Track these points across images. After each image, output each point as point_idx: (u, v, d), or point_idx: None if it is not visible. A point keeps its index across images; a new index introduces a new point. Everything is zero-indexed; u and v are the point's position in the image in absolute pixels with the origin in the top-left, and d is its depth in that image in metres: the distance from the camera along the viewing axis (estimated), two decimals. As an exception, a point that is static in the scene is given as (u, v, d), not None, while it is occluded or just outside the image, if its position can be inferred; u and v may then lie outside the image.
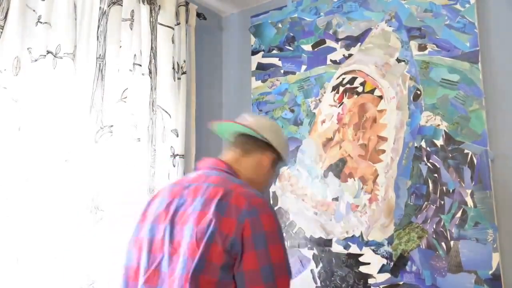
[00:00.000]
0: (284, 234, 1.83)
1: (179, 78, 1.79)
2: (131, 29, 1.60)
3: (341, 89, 1.80)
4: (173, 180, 1.27)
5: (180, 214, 1.10)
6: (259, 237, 1.02)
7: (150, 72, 1.66)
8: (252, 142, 1.24)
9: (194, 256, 1.01)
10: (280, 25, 2.02)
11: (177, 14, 1.82)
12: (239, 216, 1.02)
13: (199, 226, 1.03)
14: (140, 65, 1.62)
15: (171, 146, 1.72)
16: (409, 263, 1.54)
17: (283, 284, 1.03)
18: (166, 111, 1.72)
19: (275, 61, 2.01)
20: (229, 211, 1.03)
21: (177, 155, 1.72)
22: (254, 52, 2.09)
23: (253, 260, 1.00)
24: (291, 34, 1.98)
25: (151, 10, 1.71)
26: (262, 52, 2.06)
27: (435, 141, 1.55)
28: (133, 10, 1.62)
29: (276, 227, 1.06)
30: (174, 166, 1.71)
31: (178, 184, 1.19)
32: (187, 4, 1.88)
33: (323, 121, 1.83)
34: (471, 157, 1.48)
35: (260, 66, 2.06)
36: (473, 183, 1.47)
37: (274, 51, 2.02)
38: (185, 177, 1.24)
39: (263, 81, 2.03)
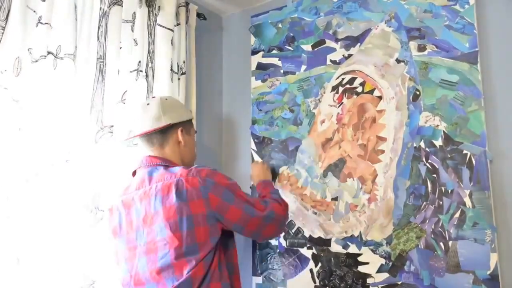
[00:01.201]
0: (283, 234, 1.85)
1: (179, 79, 1.79)
2: (132, 30, 1.61)
3: (341, 89, 1.80)
4: (120, 191, 1.36)
5: (142, 218, 1.23)
6: (226, 194, 1.23)
7: (146, 76, 1.67)
8: (159, 135, 1.35)
9: (177, 245, 1.17)
10: (280, 25, 2.03)
11: (177, 14, 1.82)
12: (202, 194, 1.19)
13: (170, 220, 1.18)
14: (139, 67, 1.63)
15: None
16: (407, 263, 1.55)
17: (259, 205, 1.31)
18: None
19: (275, 61, 2.02)
20: (191, 195, 1.18)
21: (177, 155, 1.73)
22: (254, 52, 2.09)
23: (236, 211, 1.23)
24: (291, 34, 1.98)
25: (149, 13, 1.71)
26: (262, 52, 2.06)
27: (434, 141, 1.56)
28: (134, 11, 1.62)
29: (228, 180, 1.27)
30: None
31: (125, 195, 1.31)
32: (187, 4, 1.88)
33: (323, 121, 1.83)
34: (470, 158, 1.49)
35: (260, 66, 2.06)
36: (471, 184, 1.47)
37: (274, 51, 2.03)
38: (129, 185, 1.34)
39: (263, 81, 2.04)
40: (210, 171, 1.25)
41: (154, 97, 1.42)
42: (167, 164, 1.31)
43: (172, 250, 1.17)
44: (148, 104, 1.37)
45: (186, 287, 1.16)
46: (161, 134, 1.35)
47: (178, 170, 1.25)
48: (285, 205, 1.45)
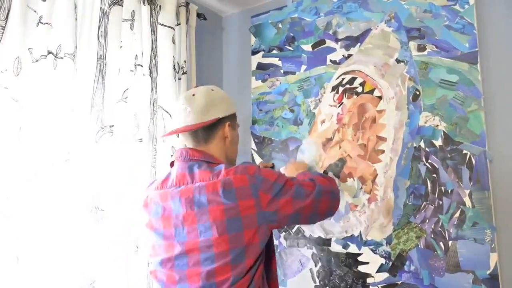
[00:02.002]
0: (284, 233, 1.85)
1: (179, 78, 1.80)
2: (132, 29, 1.61)
3: (341, 89, 1.80)
4: (154, 183, 1.28)
5: (183, 216, 1.14)
6: (275, 189, 1.13)
7: (150, 72, 1.67)
8: (205, 130, 1.24)
9: (223, 249, 1.08)
10: (280, 25, 2.03)
11: (177, 14, 1.82)
12: (252, 193, 1.10)
13: (217, 220, 1.08)
14: (141, 65, 1.63)
15: (172, 146, 1.73)
16: (407, 262, 1.55)
17: (308, 196, 1.20)
18: (167, 111, 1.73)
19: (275, 61, 2.02)
20: (240, 194, 1.09)
21: (177, 155, 1.73)
22: (254, 52, 2.09)
23: (288, 204, 1.14)
24: (291, 34, 1.98)
25: (151, 11, 1.71)
26: (262, 52, 2.06)
27: (434, 141, 1.56)
28: (133, 10, 1.63)
29: (276, 174, 1.17)
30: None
31: (165, 189, 1.21)
32: (187, 4, 1.89)
33: (323, 121, 1.83)
34: (470, 158, 1.49)
35: (260, 66, 2.06)
36: (471, 184, 1.47)
37: (274, 51, 2.03)
38: (167, 178, 1.24)
39: (263, 81, 2.04)
40: (258, 168, 1.16)
41: (196, 86, 1.30)
42: (210, 160, 1.21)
43: (218, 253, 1.09)
44: (193, 95, 1.24)
45: None
46: (208, 129, 1.24)
47: (223, 168, 1.15)
48: (331, 178, 1.36)
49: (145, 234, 1.26)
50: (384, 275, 1.59)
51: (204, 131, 1.24)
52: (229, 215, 1.08)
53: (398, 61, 1.68)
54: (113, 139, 1.51)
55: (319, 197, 1.22)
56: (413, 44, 1.65)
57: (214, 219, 1.09)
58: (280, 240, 1.87)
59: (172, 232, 1.16)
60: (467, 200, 1.47)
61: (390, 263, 1.59)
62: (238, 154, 1.39)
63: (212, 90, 1.27)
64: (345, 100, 1.78)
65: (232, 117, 1.30)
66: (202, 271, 1.10)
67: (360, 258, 1.66)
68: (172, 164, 1.28)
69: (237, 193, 1.09)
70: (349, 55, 1.80)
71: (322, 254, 1.75)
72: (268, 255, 1.25)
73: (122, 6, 1.58)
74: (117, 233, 1.47)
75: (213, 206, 1.09)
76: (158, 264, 1.20)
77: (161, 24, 1.75)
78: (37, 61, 1.35)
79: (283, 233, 1.86)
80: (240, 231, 1.09)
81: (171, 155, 1.72)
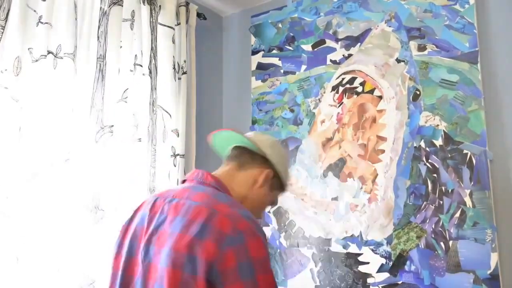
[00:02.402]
0: (284, 233, 1.85)
1: (179, 78, 1.80)
2: (132, 29, 1.61)
3: (341, 89, 1.80)
4: (158, 191, 1.20)
5: (159, 233, 0.99)
6: (245, 266, 0.89)
7: (150, 72, 1.67)
8: (248, 155, 1.13)
9: (173, 284, 0.90)
10: (280, 25, 2.03)
11: (177, 14, 1.82)
12: (222, 243, 0.89)
13: (177, 251, 0.92)
14: (141, 65, 1.63)
15: (172, 146, 1.73)
16: (408, 262, 1.55)
17: None
18: (166, 111, 1.73)
19: (275, 61, 2.02)
20: (211, 235, 0.90)
21: (178, 155, 1.73)
22: (254, 52, 2.09)
23: None
24: (291, 34, 1.98)
25: (151, 10, 1.71)
26: (262, 52, 2.06)
27: (434, 141, 1.56)
28: (133, 10, 1.63)
29: (265, 254, 0.93)
30: (174, 166, 1.72)
31: (161, 197, 1.06)
32: (187, 4, 1.89)
33: (323, 121, 1.83)
34: (470, 157, 1.49)
35: (260, 66, 2.06)
36: (472, 183, 1.47)
37: (274, 51, 2.03)
38: (171, 189, 1.11)
39: (263, 80, 2.04)
40: (252, 226, 0.94)
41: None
42: (220, 189, 1.06)
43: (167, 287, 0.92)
44: (262, 133, 1.19)
45: None
46: (252, 158, 1.13)
47: (224, 200, 0.99)
48: None
49: (116, 242, 1.12)
50: (385, 275, 1.59)
51: (247, 157, 1.13)
52: (191, 250, 0.91)
53: (398, 60, 1.68)
54: (113, 139, 1.51)
55: None
56: (413, 44, 1.65)
57: (176, 248, 0.92)
58: (280, 240, 1.86)
59: (139, 248, 1.02)
60: (467, 200, 1.47)
61: (391, 263, 1.58)
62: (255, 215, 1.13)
63: (274, 140, 1.19)
64: (345, 100, 1.78)
65: (277, 178, 1.16)
66: None
67: (360, 258, 1.66)
68: (183, 181, 1.16)
69: (210, 232, 0.91)
70: (349, 55, 1.80)
71: (322, 254, 1.74)
72: None
73: (122, 6, 1.58)
74: (117, 233, 1.46)
75: (182, 233, 0.94)
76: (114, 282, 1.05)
77: (161, 24, 1.75)
78: (37, 61, 1.35)
79: (283, 233, 1.86)
80: (194, 274, 0.90)
81: (171, 155, 1.72)
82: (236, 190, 1.09)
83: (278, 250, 1.86)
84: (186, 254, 0.90)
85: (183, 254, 0.90)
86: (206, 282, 0.87)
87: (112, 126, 1.51)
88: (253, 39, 2.11)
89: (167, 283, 0.91)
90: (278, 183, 1.17)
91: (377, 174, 1.66)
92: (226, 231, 0.90)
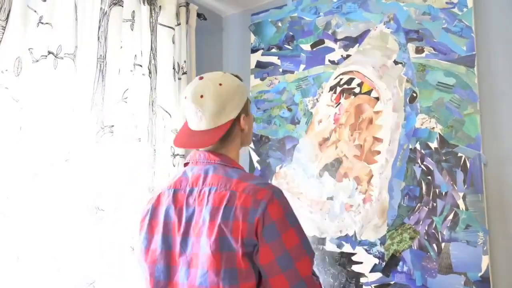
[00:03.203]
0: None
1: (179, 78, 1.81)
2: (132, 29, 1.62)
3: (339, 89, 1.81)
4: (169, 181, 1.19)
5: (193, 225, 1.08)
6: (269, 229, 1.00)
7: (150, 72, 1.68)
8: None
9: (215, 267, 1.01)
10: (280, 24, 2.03)
11: (177, 14, 1.83)
12: (249, 218, 1.00)
13: (212, 237, 1.02)
14: (141, 66, 1.64)
15: (172, 146, 1.75)
16: (400, 263, 1.57)
17: (303, 266, 1.03)
18: (166, 111, 1.74)
19: (274, 59, 2.03)
20: (237, 214, 1.01)
21: (177, 155, 1.75)
22: (253, 50, 2.10)
23: (267, 254, 1.00)
24: (290, 33, 1.99)
25: (151, 11, 1.72)
26: (262, 50, 2.07)
27: (430, 143, 1.57)
28: (134, 10, 1.64)
29: (284, 213, 1.02)
30: (174, 166, 1.74)
31: (180, 189, 1.13)
32: (187, 4, 1.89)
33: (320, 121, 1.85)
34: (464, 161, 1.50)
35: (259, 64, 2.07)
36: (465, 186, 1.49)
37: (274, 50, 2.04)
38: (182, 177, 1.16)
39: (262, 79, 2.05)
40: (270, 194, 1.03)
41: (202, 77, 1.17)
42: (226, 163, 1.13)
43: (211, 271, 1.02)
44: (201, 96, 1.11)
45: None
46: (224, 124, 1.15)
47: (236, 176, 1.07)
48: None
49: (143, 239, 1.17)
50: (377, 275, 1.62)
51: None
52: (222, 233, 1.01)
53: (396, 62, 1.68)
54: (113, 139, 1.52)
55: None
56: (411, 46, 1.65)
57: (210, 235, 1.03)
58: (276, 239, 1.89)
59: (177, 241, 1.10)
60: (460, 202, 1.49)
61: (384, 263, 1.61)
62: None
63: (220, 85, 1.14)
64: (342, 100, 1.80)
65: (245, 106, 1.19)
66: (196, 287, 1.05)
67: (354, 258, 1.68)
68: (185, 164, 1.20)
69: (235, 212, 1.01)
70: (348, 56, 1.81)
71: (316, 253, 1.77)
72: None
73: (122, 6, 1.59)
74: (117, 233, 1.49)
75: (212, 221, 1.03)
76: (158, 276, 1.12)
77: (161, 24, 1.76)
78: (37, 61, 1.36)
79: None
80: (231, 252, 1.02)
81: (171, 155, 1.74)
82: (235, 150, 1.19)
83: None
84: (219, 237, 1.01)
85: (217, 238, 1.01)
86: (244, 255, 1.01)
87: (112, 126, 1.53)
88: (252, 38, 2.11)
89: (210, 267, 1.02)
90: (246, 104, 1.22)
91: (372, 175, 1.68)
92: (248, 206, 1.01)
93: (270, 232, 1.00)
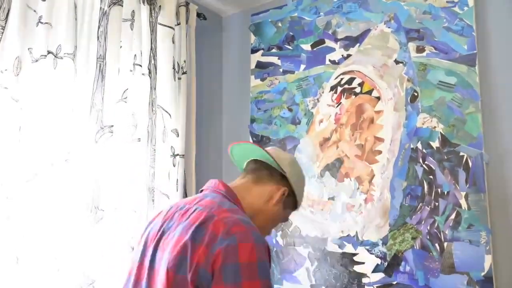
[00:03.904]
0: (280, 232, 1.86)
1: (179, 78, 1.80)
2: (132, 29, 1.62)
3: (339, 89, 1.81)
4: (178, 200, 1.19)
5: (164, 238, 1.01)
6: (230, 268, 0.87)
7: (150, 72, 1.67)
8: (267, 171, 1.14)
9: (168, 286, 0.91)
10: (280, 24, 2.03)
11: (177, 14, 1.82)
12: (213, 245, 0.89)
13: (172, 254, 0.94)
14: (140, 65, 1.64)
15: (172, 146, 1.74)
16: (403, 263, 1.57)
17: None
18: (166, 111, 1.74)
19: (274, 59, 2.02)
20: (204, 238, 0.91)
21: (177, 155, 1.74)
22: (253, 51, 2.10)
23: None
24: (290, 33, 1.98)
25: (151, 11, 1.72)
26: (262, 51, 2.07)
27: (431, 143, 1.57)
28: (133, 10, 1.63)
29: (256, 259, 0.89)
30: (174, 166, 1.73)
31: (175, 206, 1.09)
32: (187, 4, 1.89)
33: (321, 121, 1.84)
34: (466, 160, 1.50)
35: (260, 65, 2.07)
36: (467, 186, 1.48)
37: (274, 50, 2.03)
38: (187, 199, 1.12)
39: (262, 79, 2.04)
40: (250, 235, 0.91)
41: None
42: (230, 198, 1.06)
43: None
44: (282, 150, 1.24)
45: None
46: (270, 174, 1.14)
47: (227, 206, 1.00)
48: None
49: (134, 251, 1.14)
50: (380, 275, 1.61)
51: (264, 173, 1.14)
52: (184, 252, 0.92)
53: (397, 62, 1.68)
54: (113, 139, 1.52)
55: None
56: (412, 45, 1.65)
57: (172, 251, 0.95)
58: (276, 239, 1.88)
59: (148, 251, 1.04)
60: (463, 202, 1.48)
61: (386, 263, 1.60)
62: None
63: (293, 158, 1.23)
64: (343, 100, 1.79)
65: (292, 197, 1.17)
66: None
67: (356, 258, 1.67)
68: (201, 191, 1.15)
69: (204, 234, 0.92)
70: (348, 55, 1.81)
71: (318, 254, 1.76)
72: None
73: (122, 6, 1.58)
74: (117, 233, 1.48)
75: (180, 237, 0.96)
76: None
77: (160, 24, 1.76)
78: (37, 61, 1.36)
79: (280, 232, 1.88)
80: (185, 275, 0.90)
81: (171, 155, 1.73)
82: (250, 202, 1.10)
83: (275, 249, 1.88)
84: (179, 255, 0.91)
85: (177, 256, 0.92)
86: (193, 285, 0.88)
87: (112, 126, 1.52)
88: (252, 38, 2.11)
89: (164, 285, 0.92)
90: (292, 202, 1.18)
91: (374, 175, 1.67)
92: (218, 233, 0.90)
93: (231, 273, 0.87)
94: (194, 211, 0.99)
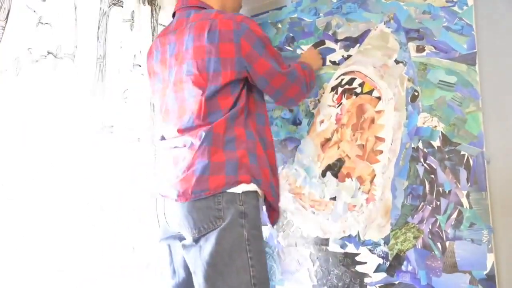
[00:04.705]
0: (282, 233, 1.86)
1: (179, 78, 1.80)
2: (131, 30, 1.62)
3: (340, 89, 1.81)
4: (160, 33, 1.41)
5: (175, 56, 1.25)
6: (257, 44, 1.21)
7: (150, 73, 1.67)
8: None
9: (202, 85, 1.18)
10: (279, 25, 2.03)
11: (177, 14, 1.83)
12: (234, 38, 1.18)
13: (198, 59, 1.18)
14: (140, 65, 1.64)
15: (171, 146, 1.73)
16: (405, 262, 1.56)
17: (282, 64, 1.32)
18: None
19: (274, 61, 2.02)
20: (222, 37, 1.17)
21: (177, 154, 1.74)
22: (253, 52, 2.09)
23: (264, 64, 1.22)
24: (290, 34, 1.99)
25: (152, 11, 1.72)
26: (262, 52, 2.06)
27: (432, 142, 1.57)
28: (133, 11, 1.64)
29: (262, 31, 1.26)
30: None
31: (165, 34, 1.33)
32: (187, 4, 1.89)
33: (322, 121, 1.84)
34: (467, 159, 1.49)
35: (260, 66, 2.06)
36: (469, 184, 1.48)
37: (274, 51, 2.03)
38: (171, 23, 1.36)
39: (263, 80, 2.04)
40: (247, 18, 1.25)
41: None
42: (205, 7, 1.32)
43: (197, 88, 1.19)
44: None
45: (208, 129, 1.17)
46: None
47: (214, 11, 1.25)
48: (310, 70, 1.48)
49: (152, 85, 1.40)
50: (382, 275, 1.60)
51: None
52: (209, 54, 1.18)
53: (397, 62, 1.68)
54: (113, 139, 1.51)
55: (291, 80, 1.33)
56: (412, 45, 1.65)
57: (196, 58, 1.19)
58: (278, 240, 1.88)
59: (167, 74, 1.30)
60: (464, 201, 1.48)
61: (388, 263, 1.59)
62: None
63: None
64: (344, 100, 1.79)
65: None
66: (186, 105, 1.23)
67: (357, 258, 1.67)
68: (173, 14, 1.38)
69: (220, 35, 1.18)
70: (348, 56, 1.81)
71: (320, 254, 1.76)
72: (256, 101, 1.35)
73: (122, 6, 1.59)
74: (117, 233, 1.47)
75: (195, 45, 1.20)
76: (158, 105, 1.36)
77: (161, 25, 1.76)
78: (36, 61, 1.36)
79: (281, 233, 1.87)
80: (217, 71, 1.18)
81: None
82: (214, 4, 1.35)
83: (276, 249, 1.87)
84: (206, 58, 1.18)
85: (204, 59, 1.18)
86: (234, 72, 1.19)
87: (112, 126, 1.52)
88: (252, 39, 2.11)
89: (196, 85, 1.20)
90: None
91: (375, 175, 1.67)
92: (231, 28, 1.18)
93: (259, 46, 1.22)
94: (191, 26, 1.23)
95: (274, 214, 1.39)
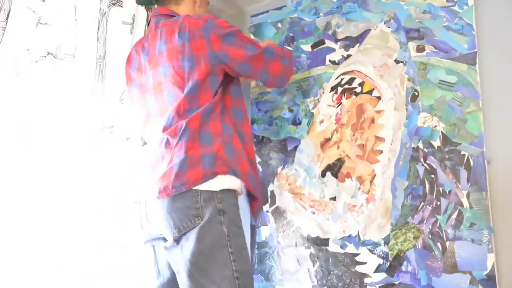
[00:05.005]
0: (282, 233, 1.86)
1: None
2: (131, 30, 1.62)
3: (340, 89, 1.81)
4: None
5: (149, 60, 1.32)
6: (227, 36, 1.27)
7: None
8: None
9: (181, 84, 1.25)
10: (279, 25, 2.03)
11: (177, 14, 1.83)
12: (204, 34, 1.24)
13: (173, 60, 1.25)
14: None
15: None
16: (405, 263, 1.56)
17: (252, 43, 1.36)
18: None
19: (274, 61, 2.01)
20: (192, 35, 1.24)
21: (177, 154, 1.74)
22: (253, 52, 2.09)
23: (238, 51, 1.28)
24: (290, 34, 1.98)
25: (148, 16, 1.72)
26: (262, 52, 2.06)
27: (432, 142, 1.56)
28: (134, 14, 1.64)
29: (228, 23, 1.32)
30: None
31: (140, 42, 1.40)
32: (187, 4, 1.89)
33: (322, 121, 1.84)
34: (468, 159, 1.49)
35: (260, 66, 2.06)
36: (469, 185, 1.48)
37: (274, 51, 2.03)
38: (145, 34, 1.46)
39: (263, 80, 2.04)
40: (213, 15, 1.31)
41: None
42: (174, 15, 1.39)
43: (176, 88, 1.25)
44: None
45: (184, 124, 1.22)
46: None
47: (182, 17, 1.32)
48: (286, 50, 1.56)
49: (130, 91, 1.46)
50: (382, 275, 1.60)
51: None
52: (182, 54, 1.24)
53: (397, 61, 1.68)
54: (113, 139, 1.52)
55: (270, 56, 1.37)
56: (412, 45, 1.65)
57: (171, 59, 1.25)
58: (278, 240, 1.87)
59: (143, 79, 1.36)
60: (464, 201, 1.48)
61: (388, 263, 1.59)
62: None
63: None
64: (344, 100, 1.79)
65: None
66: (167, 105, 1.28)
67: (357, 258, 1.66)
68: (149, 23, 1.45)
69: (189, 34, 1.24)
70: (348, 56, 1.80)
71: (320, 254, 1.75)
72: (232, 96, 1.39)
73: (122, 6, 1.59)
74: (117, 233, 1.48)
75: (168, 48, 1.26)
76: (140, 110, 1.42)
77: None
78: (36, 61, 1.36)
79: (281, 233, 1.87)
80: (192, 68, 1.24)
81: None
82: (183, 13, 1.41)
83: (276, 249, 1.87)
84: (180, 58, 1.25)
85: (178, 59, 1.25)
86: (209, 66, 1.25)
87: (112, 126, 1.52)
88: (252, 39, 2.11)
89: (175, 84, 1.26)
90: None
91: (375, 175, 1.66)
92: (199, 26, 1.25)
93: (229, 38, 1.28)
94: (162, 31, 1.30)
95: (255, 204, 1.40)
